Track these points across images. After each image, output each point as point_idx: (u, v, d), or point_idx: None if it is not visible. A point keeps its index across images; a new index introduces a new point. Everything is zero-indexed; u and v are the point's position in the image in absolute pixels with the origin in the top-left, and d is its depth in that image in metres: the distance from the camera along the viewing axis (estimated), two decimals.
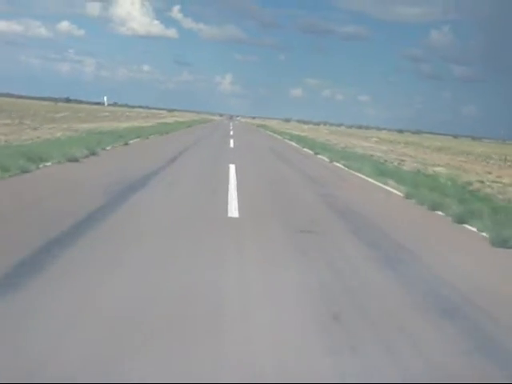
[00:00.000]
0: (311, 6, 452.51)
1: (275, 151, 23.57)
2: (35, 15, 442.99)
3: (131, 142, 19.45)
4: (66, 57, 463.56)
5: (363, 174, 14.22)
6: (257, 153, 22.20)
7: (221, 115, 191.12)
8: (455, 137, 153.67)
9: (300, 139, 36.13)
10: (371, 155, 23.87)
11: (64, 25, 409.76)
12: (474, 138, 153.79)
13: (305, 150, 26.10)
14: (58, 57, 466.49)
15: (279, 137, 42.81)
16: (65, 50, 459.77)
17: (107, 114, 58.07)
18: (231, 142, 26.25)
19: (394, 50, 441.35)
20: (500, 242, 6.43)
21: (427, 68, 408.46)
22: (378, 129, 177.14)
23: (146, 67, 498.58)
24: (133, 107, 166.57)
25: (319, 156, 21.47)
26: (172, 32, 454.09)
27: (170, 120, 58.40)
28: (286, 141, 35.88)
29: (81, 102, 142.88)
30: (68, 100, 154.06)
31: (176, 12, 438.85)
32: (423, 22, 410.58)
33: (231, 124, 74.95)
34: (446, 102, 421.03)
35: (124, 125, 33.90)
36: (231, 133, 40.06)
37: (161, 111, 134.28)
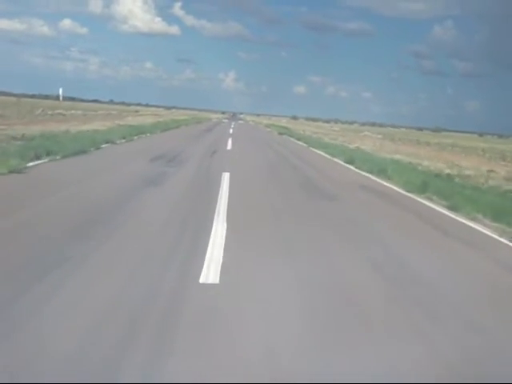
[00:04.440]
0: (314, 3, 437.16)
1: None
2: (38, 14, 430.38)
3: None
4: (68, 55, 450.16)
5: None
6: None
7: (223, 113, 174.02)
8: (480, 135, 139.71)
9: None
10: None
11: (66, 23, 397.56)
12: (500, 136, 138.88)
13: None
14: (61, 55, 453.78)
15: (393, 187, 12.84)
16: (67, 48, 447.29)
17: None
18: None
19: (398, 47, 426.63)
20: None
21: (430, 64, 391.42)
22: (395, 126, 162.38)
23: (148, 65, 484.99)
24: (129, 105, 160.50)
25: None
26: (174, 29, 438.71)
27: (106, 124, 30.85)
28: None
29: (74, 99, 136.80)
30: (58, 98, 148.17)
31: (178, 9, 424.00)
32: (427, 18, 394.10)
33: (232, 128, 47.46)
34: (453, 97, 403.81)
35: None
36: (225, 176, 11.49)
37: (145, 108, 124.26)
